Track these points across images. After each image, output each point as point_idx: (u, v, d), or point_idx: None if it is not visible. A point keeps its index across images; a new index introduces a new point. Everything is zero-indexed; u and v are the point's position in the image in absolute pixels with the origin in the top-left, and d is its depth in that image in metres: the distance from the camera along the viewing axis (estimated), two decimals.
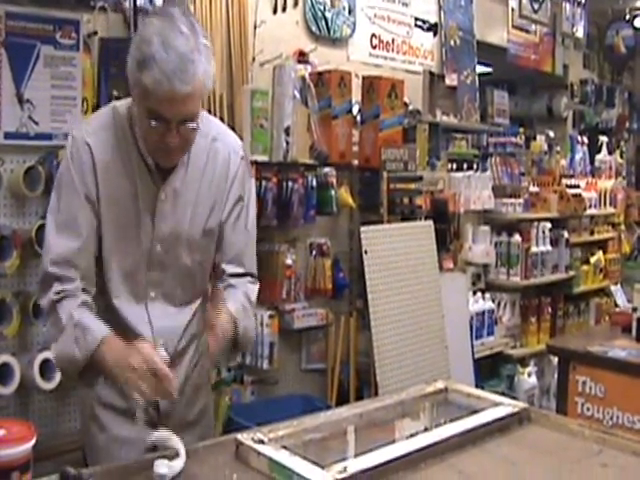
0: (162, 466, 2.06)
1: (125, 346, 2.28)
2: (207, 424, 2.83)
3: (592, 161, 9.11)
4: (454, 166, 6.60)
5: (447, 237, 6.19)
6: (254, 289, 2.72)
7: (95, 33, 4.24)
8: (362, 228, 5.25)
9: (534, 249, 7.06)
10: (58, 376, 3.91)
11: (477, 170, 6.71)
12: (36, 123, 3.98)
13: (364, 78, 5.70)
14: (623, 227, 9.12)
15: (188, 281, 2.62)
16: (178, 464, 2.11)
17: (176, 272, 2.57)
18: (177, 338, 2.59)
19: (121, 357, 2.25)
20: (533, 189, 7.42)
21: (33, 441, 1.71)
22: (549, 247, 7.25)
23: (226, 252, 2.67)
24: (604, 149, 9.30)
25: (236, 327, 2.53)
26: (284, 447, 2.20)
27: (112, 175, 2.44)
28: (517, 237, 6.91)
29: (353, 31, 5.88)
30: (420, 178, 5.84)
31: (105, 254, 2.47)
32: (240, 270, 2.68)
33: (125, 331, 2.46)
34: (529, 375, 6.81)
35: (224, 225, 2.63)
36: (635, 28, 9.71)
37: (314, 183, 5.20)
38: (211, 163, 2.58)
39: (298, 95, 5.06)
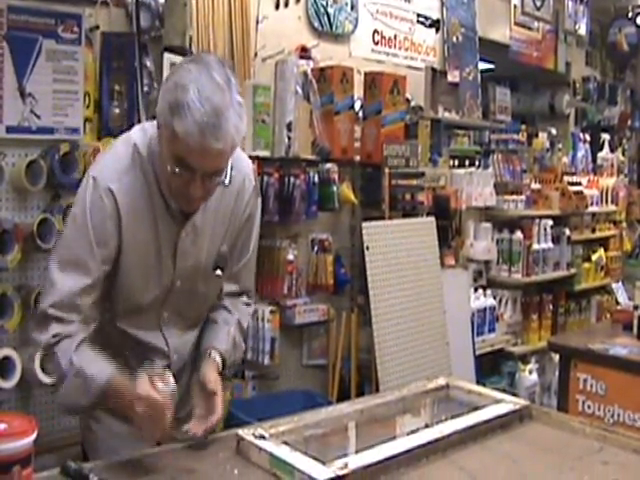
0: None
1: (128, 388, 2.22)
2: None
3: (594, 159, 9.11)
4: (456, 163, 6.60)
5: (449, 234, 6.19)
6: (248, 312, 2.73)
7: (97, 27, 4.24)
8: (364, 224, 5.25)
9: (535, 246, 7.06)
10: None
11: (479, 167, 6.70)
12: (38, 117, 3.97)
13: (366, 74, 5.70)
14: (625, 225, 9.12)
15: (202, 304, 2.66)
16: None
17: (191, 298, 2.58)
18: (188, 352, 2.64)
19: (125, 405, 2.22)
20: (535, 186, 7.42)
21: (34, 435, 1.71)
22: (550, 244, 7.25)
23: (232, 273, 2.68)
24: (606, 147, 9.30)
25: (224, 366, 2.52)
26: (285, 443, 2.20)
27: (135, 221, 2.38)
28: (519, 234, 6.91)
29: (355, 27, 5.87)
30: (422, 174, 5.83)
31: (121, 294, 2.45)
32: (234, 288, 2.69)
33: (140, 344, 2.51)
34: (530, 372, 6.81)
35: (233, 248, 2.62)
36: (638, 26, 9.69)
37: (316, 179, 5.21)
38: (227, 192, 2.53)
39: (300, 91, 5.06)
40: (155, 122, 2.33)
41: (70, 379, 2.26)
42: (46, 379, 3.85)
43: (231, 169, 2.47)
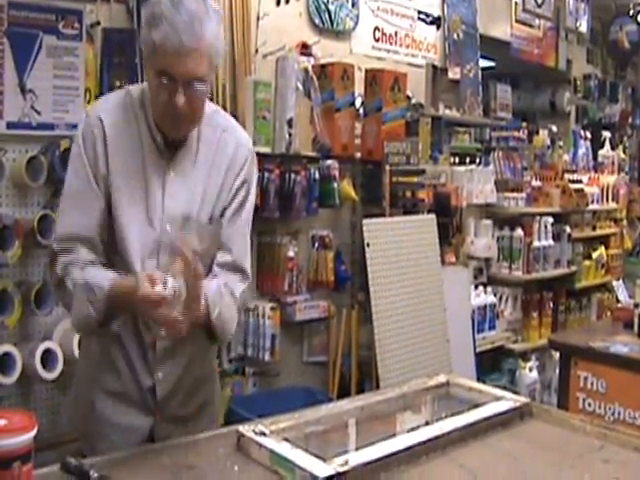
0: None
1: (130, 291, 2.27)
2: (210, 418, 2.80)
3: (595, 156, 9.11)
4: (457, 160, 6.60)
5: (449, 231, 6.18)
6: (240, 286, 2.63)
7: (98, 23, 4.24)
8: (364, 221, 5.25)
9: (536, 244, 7.06)
10: (59, 366, 3.92)
11: (480, 164, 6.71)
12: (38, 113, 3.97)
13: (367, 71, 5.70)
14: (625, 222, 9.13)
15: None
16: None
17: None
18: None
19: (132, 307, 2.31)
20: (535, 183, 7.42)
21: (34, 431, 1.70)
22: (551, 242, 7.25)
23: (224, 240, 2.63)
24: (607, 144, 9.30)
25: (207, 305, 2.42)
26: (285, 439, 2.20)
27: (122, 150, 2.47)
28: (519, 231, 6.91)
29: (356, 24, 5.87)
30: (423, 171, 5.83)
31: (121, 225, 2.46)
32: (227, 258, 2.61)
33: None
34: (530, 370, 6.82)
35: (224, 212, 2.61)
36: (639, 23, 9.69)
37: (316, 175, 5.20)
38: (220, 153, 2.60)
39: (301, 87, 5.06)
40: None
41: (78, 295, 2.36)
42: (46, 375, 3.86)
43: (224, 131, 2.62)
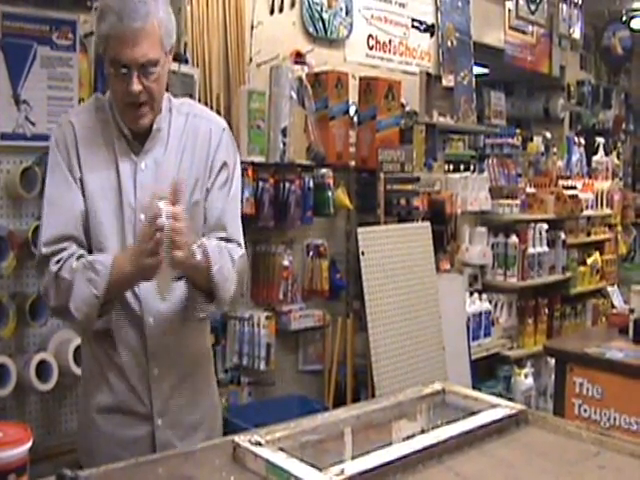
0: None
1: (133, 248, 2.38)
2: (211, 428, 2.81)
3: (589, 162, 9.14)
4: (451, 167, 6.61)
5: (444, 238, 6.19)
6: (237, 250, 2.63)
7: (92, 34, 4.21)
8: (359, 229, 5.25)
9: (531, 250, 7.06)
10: (55, 377, 3.91)
11: (474, 171, 6.72)
12: (33, 124, 3.97)
13: (361, 79, 5.71)
14: (620, 228, 9.14)
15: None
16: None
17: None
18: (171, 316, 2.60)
19: (135, 254, 2.32)
20: (530, 190, 7.43)
21: (29, 443, 1.70)
22: (546, 248, 7.25)
23: (209, 219, 2.65)
24: (601, 150, 9.32)
25: (208, 259, 2.43)
26: (281, 449, 2.20)
27: (93, 147, 2.53)
28: (514, 238, 6.92)
29: (350, 32, 5.87)
30: (417, 179, 5.84)
31: (97, 222, 2.50)
32: (222, 234, 2.62)
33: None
34: (526, 376, 6.81)
35: (209, 193, 2.64)
36: (632, 29, 9.73)
37: (311, 184, 5.21)
38: (191, 138, 2.64)
39: (295, 96, 5.06)
40: None
41: (77, 279, 2.38)
42: (41, 386, 3.85)
43: (194, 116, 2.68)
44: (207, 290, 2.51)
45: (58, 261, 2.42)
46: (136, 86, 2.40)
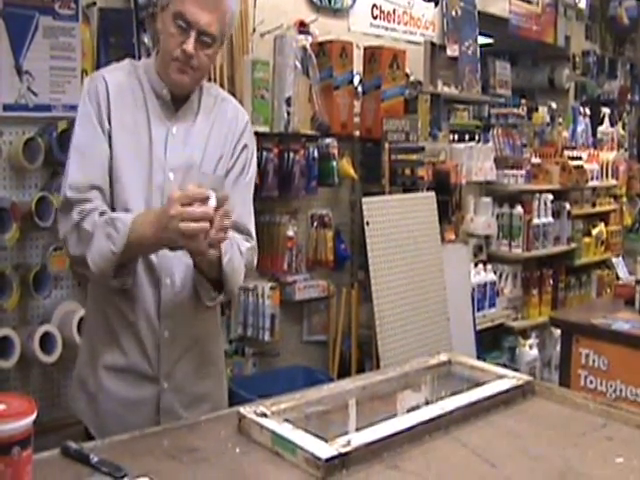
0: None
1: (156, 211, 2.36)
2: (217, 400, 2.81)
3: (594, 133, 9.09)
4: (456, 137, 6.57)
5: (449, 208, 6.17)
6: (246, 244, 2.65)
7: (94, 3, 4.21)
8: (364, 199, 5.23)
9: (536, 221, 7.05)
10: (58, 349, 3.91)
11: (479, 141, 6.68)
12: (35, 94, 3.95)
13: (365, 49, 5.67)
14: (625, 199, 9.12)
15: None
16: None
17: None
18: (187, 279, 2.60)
19: (158, 218, 2.28)
20: (535, 160, 7.40)
21: (34, 416, 1.69)
22: (551, 219, 7.24)
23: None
24: (606, 121, 9.28)
25: (220, 250, 2.42)
26: (287, 420, 2.19)
27: (125, 104, 2.55)
28: (519, 209, 6.90)
29: (354, 1, 5.83)
30: (422, 149, 5.81)
31: (122, 180, 2.51)
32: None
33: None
34: (530, 347, 6.82)
35: (229, 174, 2.67)
36: None
37: (315, 154, 5.19)
38: (220, 118, 2.69)
39: (299, 66, 5.03)
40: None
41: (98, 233, 2.38)
42: (45, 358, 3.85)
43: (222, 100, 2.76)
44: (215, 279, 2.53)
45: (81, 212, 2.42)
46: (191, 47, 2.44)
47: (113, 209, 2.49)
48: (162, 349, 2.59)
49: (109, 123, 2.51)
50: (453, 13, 6.78)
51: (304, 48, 5.13)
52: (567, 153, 7.74)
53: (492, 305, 6.61)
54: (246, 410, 2.25)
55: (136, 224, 2.34)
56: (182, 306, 2.59)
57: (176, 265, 2.56)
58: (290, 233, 5.11)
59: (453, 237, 6.20)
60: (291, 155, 5.01)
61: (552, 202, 7.26)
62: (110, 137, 2.50)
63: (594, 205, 8.35)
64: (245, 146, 2.72)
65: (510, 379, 2.65)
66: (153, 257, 2.53)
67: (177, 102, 2.61)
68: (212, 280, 2.54)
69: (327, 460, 1.95)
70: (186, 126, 2.61)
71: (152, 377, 2.60)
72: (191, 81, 2.56)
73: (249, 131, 2.77)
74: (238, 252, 2.55)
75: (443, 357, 2.93)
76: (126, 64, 2.69)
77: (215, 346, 2.85)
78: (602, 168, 8.36)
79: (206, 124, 2.65)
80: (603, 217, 8.51)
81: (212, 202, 2.18)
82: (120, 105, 2.53)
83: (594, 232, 8.16)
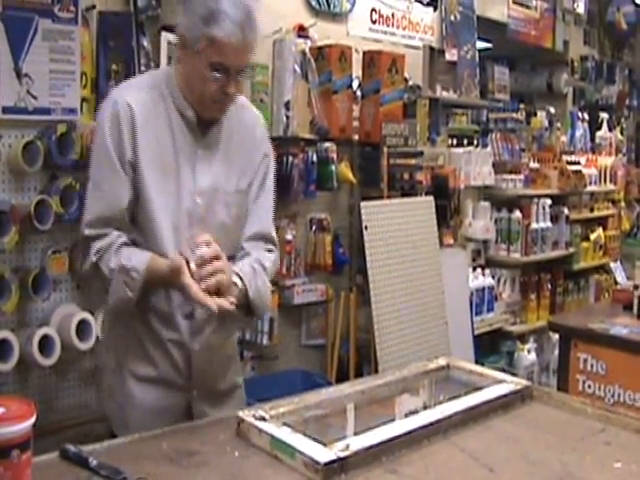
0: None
1: (165, 268, 2.41)
2: (240, 398, 2.88)
3: (592, 138, 9.09)
4: (454, 142, 6.58)
5: (447, 213, 6.17)
6: (269, 257, 2.72)
7: (94, 7, 4.20)
8: (362, 203, 5.24)
9: (534, 225, 7.05)
10: (57, 352, 3.92)
11: (477, 146, 6.70)
12: (34, 97, 3.94)
13: (364, 53, 5.67)
14: (623, 204, 9.12)
15: (224, 238, 2.59)
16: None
17: (214, 229, 2.56)
18: None
19: (170, 281, 2.39)
20: (533, 165, 7.41)
21: (33, 419, 1.69)
22: (549, 223, 7.24)
23: (249, 224, 2.73)
24: (604, 126, 9.28)
25: (244, 284, 2.50)
26: (285, 424, 2.20)
27: (152, 130, 2.54)
28: (517, 213, 6.91)
29: (353, 6, 5.82)
30: (421, 153, 5.82)
31: (150, 208, 2.52)
32: (255, 229, 2.72)
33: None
34: (529, 352, 6.83)
35: (253, 183, 2.71)
36: (636, 4, 9.64)
37: (314, 158, 5.19)
38: (243, 127, 2.73)
39: (298, 69, 5.04)
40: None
41: (115, 279, 2.45)
42: (44, 361, 3.85)
43: (241, 106, 2.76)
44: (245, 307, 2.58)
45: (98, 251, 2.47)
46: (233, 88, 2.49)
47: (141, 232, 2.54)
48: (193, 360, 2.63)
49: (134, 152, 2.50)
50: (452, 18, 6.78)
51: (303, 52, 5.13)
52: (565, 158, 7.75)
53: (490, 309, 6.62)
54: (245, 414, 2.26)
55: (148, 272, 2.43)
56: (212, 322, 2.62)
57: None
58: (289, 237, 5.11)
59: (451, 241, 6.21)
60: (290, 159, 5.00)
61: (550, 207, 7.27)
62: (134, 165, 2.50)
63: (592, 210, 8.36)
64: (265, 155, 2.75)
65: (508, 384, 2.66)
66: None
67: (207, 122, 2.62)
68: (242, 307, 2.57)
69: (326, 464, 1.95)
70: (212, 145, 2.63)
71: (183, 386, 2.64)
72: (228, 108, 2.61)
73: (267, 138, 2.81)
74: (264, 274, 2.63)
75: (441, 361, 2.94)
76: (146, 78, 2.71)
77: (233, 340, 2.93)
78: (600, 173, 8.37)
79: (230, 135, 2.67)
80: (601, 222, 8.51)
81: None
82: (146, 132, 2.52)
83: (592, 237, 8.16)
